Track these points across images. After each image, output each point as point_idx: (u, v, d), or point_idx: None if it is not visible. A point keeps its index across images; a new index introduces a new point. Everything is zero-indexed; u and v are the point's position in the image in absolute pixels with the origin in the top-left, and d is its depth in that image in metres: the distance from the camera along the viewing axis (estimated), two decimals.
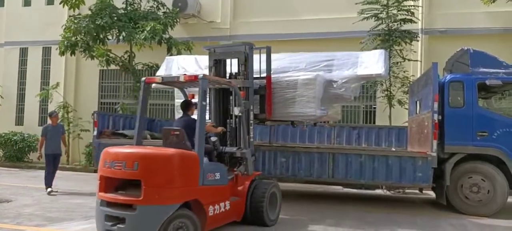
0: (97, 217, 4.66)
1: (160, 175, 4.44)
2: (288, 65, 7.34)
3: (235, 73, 6.54)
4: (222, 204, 5.17)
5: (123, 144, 6.64)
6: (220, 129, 6.01)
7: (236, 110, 5.77)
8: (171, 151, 4.74)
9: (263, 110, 6.86)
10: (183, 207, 4.61)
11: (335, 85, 7.01)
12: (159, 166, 4.48)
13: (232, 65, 6.68)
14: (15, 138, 13.59)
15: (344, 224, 6.20)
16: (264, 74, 6.85)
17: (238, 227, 5.62)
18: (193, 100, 5.86)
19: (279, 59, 7.33)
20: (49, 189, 8.28)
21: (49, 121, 9.16)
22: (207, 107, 6.25)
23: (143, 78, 5.65)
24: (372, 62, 7.14)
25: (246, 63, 6.42)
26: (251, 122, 6.16)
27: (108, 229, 4.44)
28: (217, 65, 6.64)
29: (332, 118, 8.32)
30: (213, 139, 5.79)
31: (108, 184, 4.60)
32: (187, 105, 5.84)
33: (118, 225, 4.36)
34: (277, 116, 7.10)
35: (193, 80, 5.27)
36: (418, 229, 6.10)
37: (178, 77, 5.52)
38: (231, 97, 6.28)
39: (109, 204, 4.53)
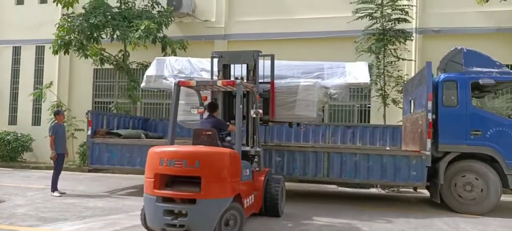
0: (152, 213, 4.86)
1: (217, 171, 4.86)
2: (285, 73, 7.96)
3: (241, 77, 6.94)
4: (250, 198, 5.71)
5: (155, 144, 7.06)
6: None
7: (252, 113, 6.19)
8: (224, 149, 5.21)
9: (266, 112, 7.35)
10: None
11: (328, 92, 7.85)
12: (216, 163, 4.90)
13: (235, 70, 7.31)
14: (8, 137, 13.46)
15: (340, 220, 6.25)
16: (263, 80, 7.44)
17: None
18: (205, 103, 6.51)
19: (277, 67, 7.69)
20: (56, 193, 7.97)
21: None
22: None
23: (176, 81, 5.99)
24: (359, 72, 8.03)
25: (254, 69, 7.08)
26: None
27: (168, 223, 4.70)
28: (225, 69, 7.28)
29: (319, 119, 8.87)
30: (228, 138, 6.19)
31: (162, 182, 4.87)
32: (214, 107, 6.36)
33: (179, 218, 4.66)
34: (279, 118, 7.69)
35: (230, 85, 5.82)
36: (412, 227, 6.13)
37: (215, 81, 6.05)
38: (234, 100, 6.80)
39: (164, 199, 4.78)
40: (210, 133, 5.51)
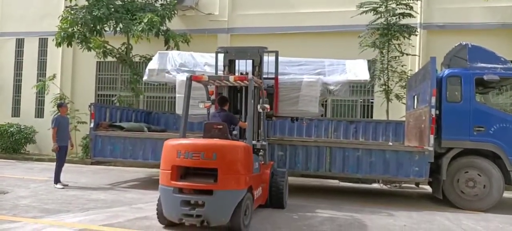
0: (169, 204, 4.97)
1: (233, 164, 5.01)
2: (287, 70, 8.07)
3: (246, 72, 7.07)
4: (258, 190, 5.86)
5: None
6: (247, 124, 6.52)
7: (259, 107, 6.29)
8: (238, 143, 5.37)
9: (270, 107, 7.39)
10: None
11: (330, 88, 7.99)
12: (232, 156, 5.04)
13: (240, 65, 7.50)
14: (11, 129, 13.50)
15: (342, 214, 6.28)
16: (267, 75, 7.54)
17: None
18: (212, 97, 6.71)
19: (279, 63, 7.81)
20: (59, 185, 8.00)
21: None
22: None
23: (188, 76, 6.05)
24: (359, 69, 8.25)
25: (259, 65, 7.22)
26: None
27: (186, 213, 4.82)
28: (230, 65, 7.42)
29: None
30: (235, 132, 6.28)
31: (179, 173, 4.99)
32: (225, 101, 6.50)
33: (196, 209, 4.78)
34: (282, 113, 7.85)
35: (242, 80, 5.97)
36: (414, 222, 6.13)
37: (227, 76, 6.20)
38: (239, 95, 7.13)
39: (181, 190, 4.90)
40: (221, 126, 5.60)
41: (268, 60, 7.53)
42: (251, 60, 7.34)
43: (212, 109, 6.72)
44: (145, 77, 9.02)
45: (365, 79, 8.20)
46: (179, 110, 8.22)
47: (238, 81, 6.08)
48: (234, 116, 6.58)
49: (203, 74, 6.67)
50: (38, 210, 6.03)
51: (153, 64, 8.81)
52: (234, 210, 4.88)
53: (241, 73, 7.09)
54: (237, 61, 7.47)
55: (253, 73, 7.10)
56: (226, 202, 4.86)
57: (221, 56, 7.57)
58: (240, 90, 7.26)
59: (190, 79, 5.95)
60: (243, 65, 7.42)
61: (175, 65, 8.53)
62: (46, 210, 6.05)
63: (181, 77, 8.07)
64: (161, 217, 5.22)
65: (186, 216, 4.83)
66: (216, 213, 4.83)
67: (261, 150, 6.42)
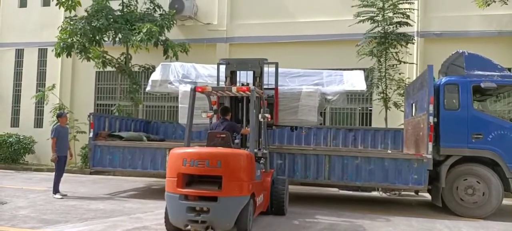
0: (175, 210, 5.13)
1: (237, 171, 5.18)
2: (286, 82, 8.28)
3: (247, 83, 7.27)
4: (260, 197, 5.98)
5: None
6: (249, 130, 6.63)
7: (260, 117, 6.38)
8: (242, 151, 5.55)
9: (270, 117, 7.53)
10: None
11: (328, 98, 8.33)
12: (236, 164, 5.20)
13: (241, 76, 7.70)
14: (10, 139, 13.48)
15: (342, 222, 6.29)
16: (268, 86, 7.72)
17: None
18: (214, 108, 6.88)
19: (279, 74, 7.98)
20: (58, 195, 7.98)
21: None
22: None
23: (193, 87, 6.20)
24: (356, 80, 8.52)
25: (260, 76, 7.41)
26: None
27: (191, 219, 4.99)
28: (232, 76, 7.61)
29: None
30: (237, 141, 6.42)
31: (185, 181, 5.15)
32: (227, 111, 6.66)
33: (202, 215, 4.93)
34: (282, 122, 8.05)
35: (244, 91, 6.14)
36: (414, 230, 6.12)
37: (230, 88, 6.34)
38: (239, 104, 7.26)
39: (186, 197, 5.06)
40: (224, 135, 5.71)
41: (268, 71, 7.65)
42: (252, 72, 7.48)
43: (214, 119, 6.80)
44: (148, 88, 9.15)
45: (362, 89, 8.41)
46: (181, 120, 8.29)
47: (241, 92, 6.22)
48: (236, 125, 6.72)
49: (207, 85, 6.79)
50: (37, 221, 6.02)
51: (156, 75, 8.98)
52: (238, 216, 5.04)
53: (242, 84, 7.23)
54: (238, 72, 7.61)
55: (254, 84, 7.23)
56: (231, 208, 5.02)
57: (222, 68, 7.68)
58: (241, 100, 7.38)
59: (194, 90, 6.08)
60: (244, 76, 7.58)
61: (178, 76, 8.72)
62: (44, 221, 6.03)
63: (184, 88, 8.21)
64: (168, 223, 5.32)
65: (192, 222, 5.00)
66: (220, 219, 4.99)
67: (262, 158, 6.51)
